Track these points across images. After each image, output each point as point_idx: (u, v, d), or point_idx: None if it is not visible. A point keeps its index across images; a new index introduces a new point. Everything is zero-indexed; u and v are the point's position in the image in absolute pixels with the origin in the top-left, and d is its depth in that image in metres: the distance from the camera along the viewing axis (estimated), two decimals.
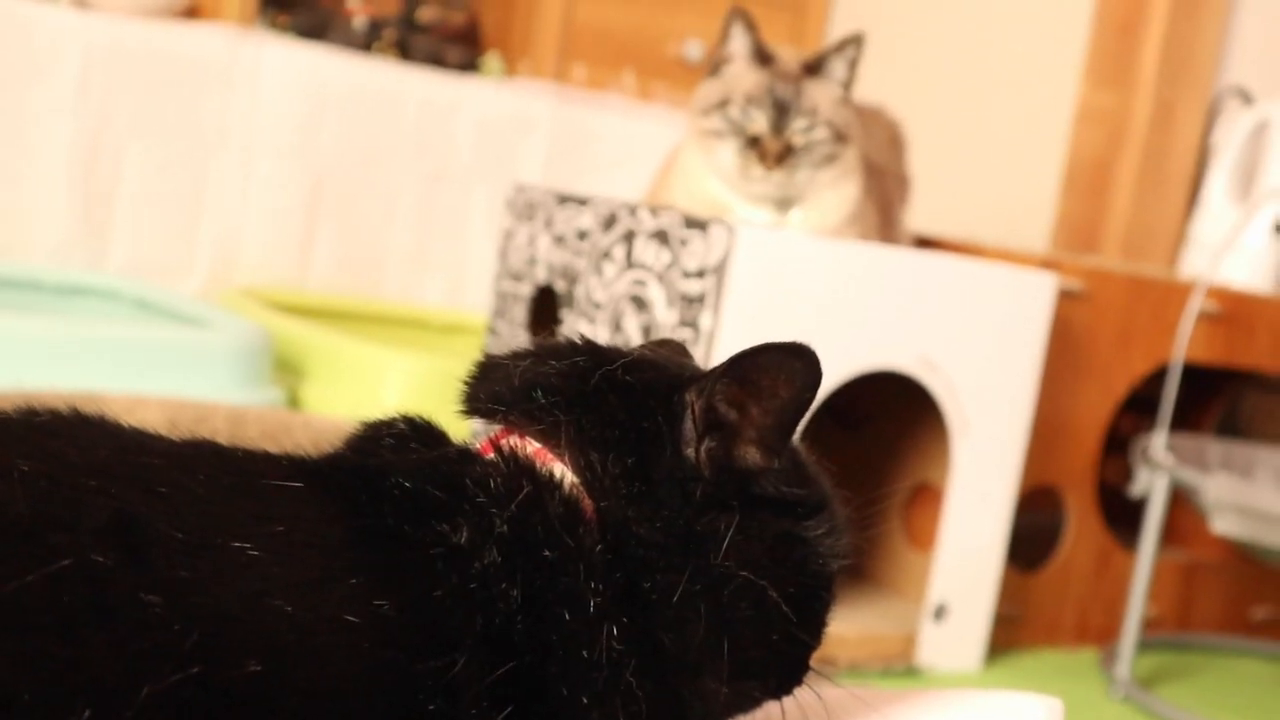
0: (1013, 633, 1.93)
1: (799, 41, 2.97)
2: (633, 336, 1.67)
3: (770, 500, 0.65)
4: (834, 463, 2.14)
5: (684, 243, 1.59)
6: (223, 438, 1.82)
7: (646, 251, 1.65)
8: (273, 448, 1.83)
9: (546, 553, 0.59)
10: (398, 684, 0.55)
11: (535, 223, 1.85)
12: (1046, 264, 1.83)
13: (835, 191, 1.63)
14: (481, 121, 2.69)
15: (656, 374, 0.66)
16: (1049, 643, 1.97)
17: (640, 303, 1.66)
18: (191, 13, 2.58)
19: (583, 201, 1.76)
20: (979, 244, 1.96)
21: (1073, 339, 1.87)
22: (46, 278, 2.36)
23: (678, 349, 0.78)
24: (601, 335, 1.71)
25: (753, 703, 0.67)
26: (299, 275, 2.59)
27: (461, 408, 0.68)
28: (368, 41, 2.71)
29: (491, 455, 0.64)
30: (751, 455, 0.65)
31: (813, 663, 0.68)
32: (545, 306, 1.84)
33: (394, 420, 0.67)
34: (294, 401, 2.13)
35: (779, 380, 0.64)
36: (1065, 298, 1.84)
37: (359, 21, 2.75)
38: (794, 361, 0.64)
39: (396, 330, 2.63)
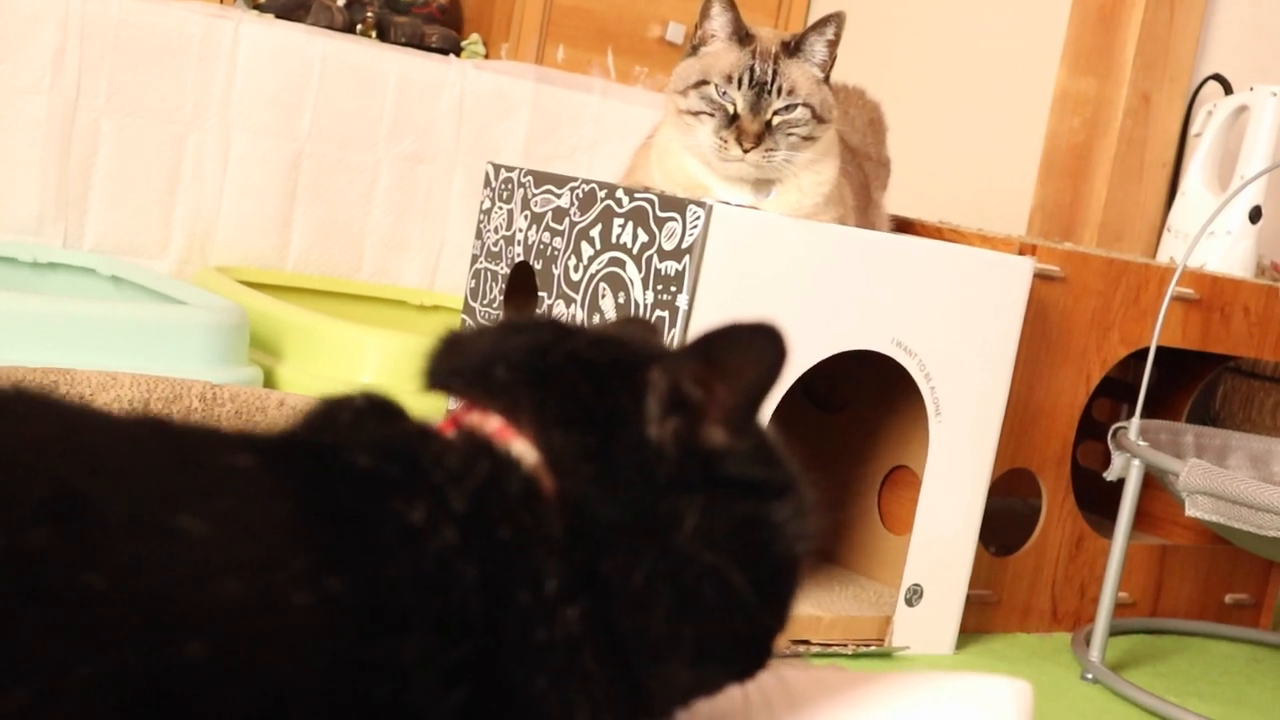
0: (986, 616, 1.93)
1: (782, 20, 2.96)
2: (610, 317, 1.65)
3: (736, 481, 0.63)
4: (811, 445, 2.13)
5: (661, 223, 1.58)
6: (197, 416, 1.81)
7: (624, 232, 1.64)
8: (247, 426, 1.81)
9: (504, 533, 0.58)
10: (348, 666, 0.53)
11: (513, 202, 1.83)
12: (1024, 248, 1.82)
13: (813, 173, 1.62)
14: (461, 102, 2.68)
15: (621, 351, 0.65)
16: (1022, 626, 1.97)
17: (617, 283, 1.65)
18: None
19: (561, 181, 1.75)
20: (957, 228, 1.95)
21: (1049, 323, 1.87)
22: (21, 254, 2.34)
23: (645, 327, 0.76)
24: (579, 316, 1.70)
25: (716, 686, 0.66)
26: (276, 254, 2.57)
27: (423, 382, 0.67)
28: (348, 22, 2.69)
29: (451, 432, 0.62)
30: (717, 435, 0.63)
31: (783, 644, 0.66)
32: (522, 286, 1.83)
33: (352, 397, 0.64)
34: (270, 380, 2.11)
35: (746, 359, 0.63)
36: (1042, 281, 1.83)
37: (339, 2, 2.72)
38: (761, 340, 0.63)
39: (374, 310, 2.62)
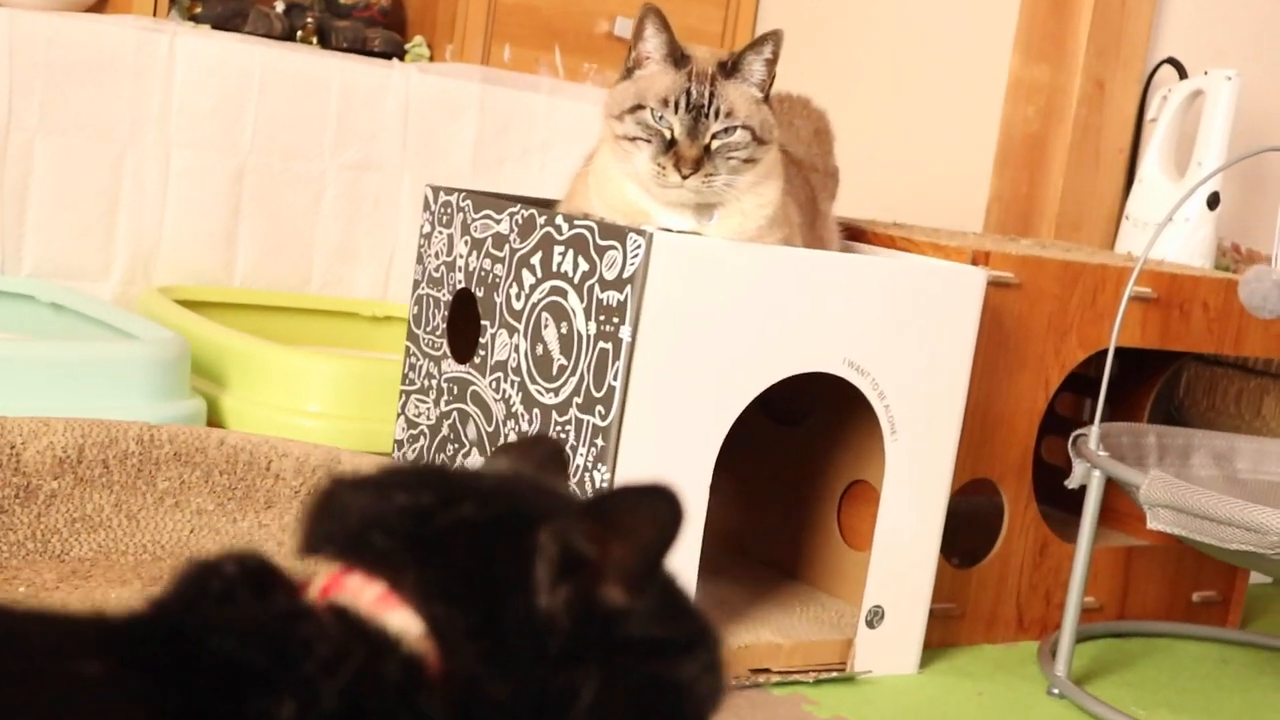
0: (950, 629, 1.90)
1: (729, 29, 2.90)
2: (553, 347, 1.61)
3: (638, 642, 0.59)
4: (768, 459, 2.08)
5: (601, 251, 1.54)
6: (134, 460, 1.75)
7: (565, 260, 1.59)
8: (186, 468, 1.75)
9: None
10: None
11: (453, 227, 1.79)
12: (977, 256, 1.78)
13: (755, 195, 1.57)
14: (407, 107, 2.62)
15: (510, 509, 0.61)
16: (988, 637, 1.94)
17: (560, 313, 1.61)
18: (100, 5, 2.49)
19: (500, 206, 1.70)
20: (909, 234, 1.91)
21: (1005, 329, 1.83)
22: None
23: (550, 454, 0.72)
24: (522, 346, 1.66)
25: None
26: (223, 270, 2.52)
27: (299, 547, 0.62)
28: (288, 29, 2.63)
29: (327, 604, 0.57)
30: (615, 595, 0.59)
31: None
32: (465, 313, 1.78)
33: (222, 563, 0.60)
34: (215, 410, 2.06)
35: (642, 519, 0.59)
36: (996, 288, 1.79)
37: (277, 8, 2.66)
38: (657, 501, 0.59)
39: (325, 323, 2.57)
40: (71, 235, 2.40)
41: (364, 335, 2.57)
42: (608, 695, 0.57)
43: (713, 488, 1.62)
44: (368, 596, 0.57)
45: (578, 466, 1.58)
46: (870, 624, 1.75)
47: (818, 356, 1.62)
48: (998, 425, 1.86)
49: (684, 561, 1.60)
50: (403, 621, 0.57)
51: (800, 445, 1.95)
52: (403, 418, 1.91)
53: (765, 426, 1.98)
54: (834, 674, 1.74)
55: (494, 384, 1.73)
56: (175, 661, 0.53)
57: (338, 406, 2.06)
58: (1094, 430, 1.76)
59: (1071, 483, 1.78)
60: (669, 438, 1.57)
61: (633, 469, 1.56)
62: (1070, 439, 1.79)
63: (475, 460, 1.75)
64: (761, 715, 1.60)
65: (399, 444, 1.91)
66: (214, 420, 2.07)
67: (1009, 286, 1.81)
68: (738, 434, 1.63)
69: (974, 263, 1.76)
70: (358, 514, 0.60)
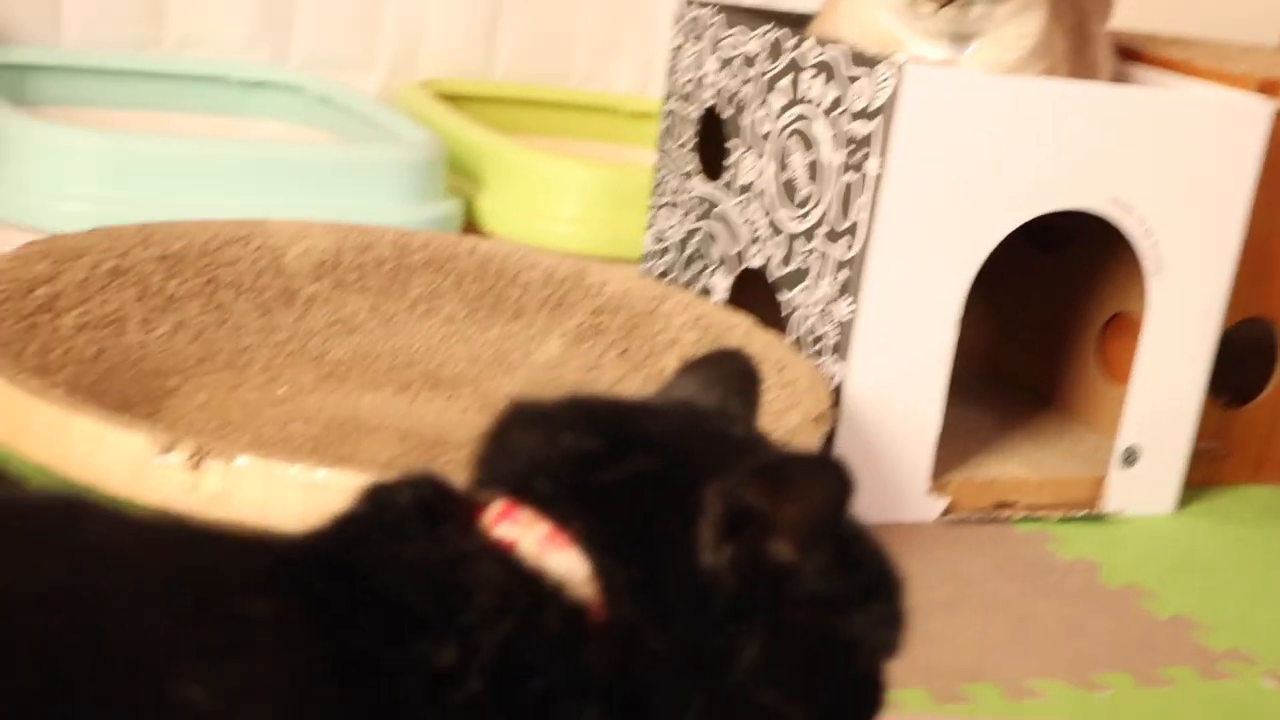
0: (1214, 470, 1.82)
1: None
2: (799, 174, 1.57)
3: (806, 598, 0.58)
4: (1029, 286, 2.01)
5: (851, 80, 1.48)
6: (389, 266, 1.79)
7: (812, 86, 1.54)
8: (438, 275, 1.79)
9: (537, 684, 0.53)
10: None
11: (703, 42, 1.74)
12: (1265, 84, 1.65)
13: (1016, 25, 1.48)
14: None
15: (678, 461, 0.59)
16: (1255, 478, 1.86)
17: (806, 140, 1.56)
18: None
19: (752, 23, 1.65)
20: (1190, 55, 1.78)
21: None
22: (230, 73, 2.34)
23: (739, 372, 0.69)
24: (768, 171, 1.62)
25: None
26: (484, 63, 2.53)
27: (474, 481, 0.62)
28: None
29: (496, 540, 0.57)
30: (784, 551, 0.57)
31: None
32: (713, 131, 1.75)
33: (398, 490, 0.60)
34: (471, 211, 2.09)
35: (811, 484, 0.57)
36: None
37: None
38: (827, 471, 0.57)
39: (584, 118, 2.56)
40: (339, 28, 2.43)
41: (622, 131, 2.55)
42: (772, 652, 0.56)
43: (967, 309, 1.58)
44: (536, 535, 0.57)
45: (821, 297, 1.56)
46: (1126, 462, 1.70)
47: (1078, 194, 1.54)
48: (1277, 262, 1.75)
49: (931, 395, 1.57)
50: (569, 564, 0.56)
51: (1061, 272, 1.88)
52: (652, 230, 1.90)
53: (1023, 250, 1.90)
54: (1083, 513, 1.69)
55: (740, 206, 1.70)
56: (343, 601, 0.54)
57: (591, 213, 2.06)
58: None
59: None
60: (915, 273, 1.53)
61: (877, 303, 1.52)
62: None
63: (720, 281, 1.74)
64: (1002, 553, 1.58)
65: (647, 256, 1.91)
66: (470, 221, 2.11)
67: None
68: (993, 255, 1.57)
69: (1261, 92, 1.63)
70: (526, 456, 0.60)
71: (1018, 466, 1.70)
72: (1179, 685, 1.35)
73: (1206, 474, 1.81)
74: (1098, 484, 1.70)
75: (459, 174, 2.13)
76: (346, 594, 0.54)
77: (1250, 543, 1.70)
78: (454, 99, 2.34)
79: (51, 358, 1.40)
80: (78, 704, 0.47)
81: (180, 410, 1.47)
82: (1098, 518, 1.70)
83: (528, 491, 0.58)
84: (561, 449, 0.59)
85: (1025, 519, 1.67)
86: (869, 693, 0.61)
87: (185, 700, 0.48)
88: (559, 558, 0.56)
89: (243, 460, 1.11)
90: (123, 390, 1.44)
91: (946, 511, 1.62)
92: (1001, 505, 1.67)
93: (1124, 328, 1.80)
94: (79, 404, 1.17)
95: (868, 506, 1.57)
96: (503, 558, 0.56)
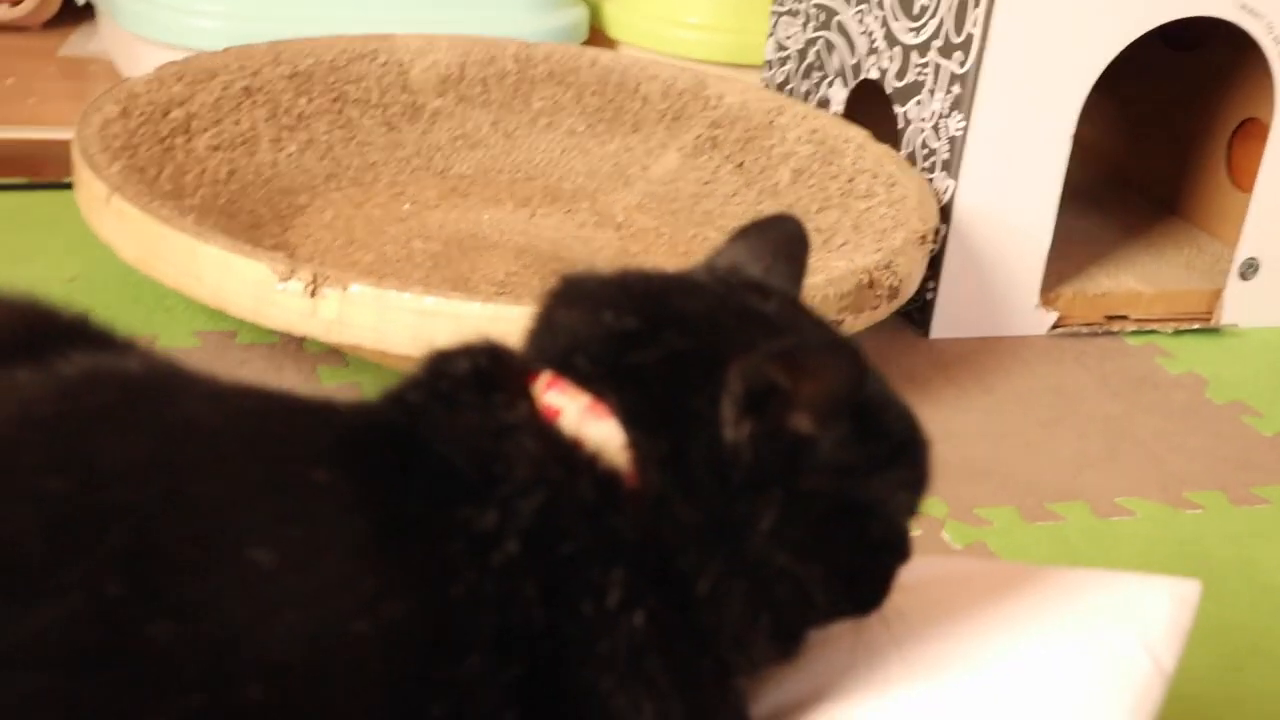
0: None
1: None
2: None
3: (824, 466, 0.62)
4: (1158, 84, 1.98)
5: None
6: (511, 78, 1.83)
7: None
8: (560, 87, 1.82)
9: (569, 547, 0.58)
10: (405, 688, 0.55)
11: None
12: None
13: None
14: None
15: (708, 340, 0.62)
16: None
17: None
18: None
19: None
20: None
21: None
22: None
23: (790, 236, 0.72)
24: None
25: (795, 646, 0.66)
26: None
27: (525, 353, 0.66)
28: None
29: (536, 421, 0.62)
30: (804, 424, 0.61)
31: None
32: None
33: (456, 358, 0.64)
34: (597, 18, 2.11)
35: (827, 365, 0.60)
36: None
37: None
38: (840, 355, 0.60)
39: None
40: None
41: None
42: (788, 518, 0.60)
43: (1093, 112, 1.57)
44: (579, 405, 0.61)
45: (933, 112, 1.56)
46: (1243, 275, 1.69)
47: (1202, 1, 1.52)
48: None
49: (1042, 210, 1.58)
50: (607, 433, 0.61)
51: (1193, 72, 1.84)
52: (773, 38, 1.90)
53: (1157, 49, 1.87)
54: (1196, 326, 1.70)
55: (859, 15, 1.69)
56: (396, 468, 0.59)
57: (715, 19, 2.06)
58: None
59: None
60: (1029, 89, 1.52)
61: (989, 119, 1.52)
62: None
63: (838, 93, 1.75)
64: (1109, 367, 1.60)
65: (769, 64, 1.92)
66: (597, 27, 2.12)
67: None
68: (1124, 58, 1.56)
69: None
70: (568, 333, 0.64)
71: (1132, 279, 1.71)
72: (1275, 505, 1.37)
73: None
74: (1214, 297, 1.70)
75: None
76: (400, 462, 0.59)
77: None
78: None
79: (187, 180, 1.47)
80: (164, 567, 0.53)
81: (308, 228, 1.54)
82: (1212, 331, 1.70)
83: (569, 367, 0.62)
84: (601, 328, 0.63)
85: (1136, 332, 1.67)
86: (887, 552, 0.65)
87: (255, 561, 0.54)
88: (598, 427, 0.61)
89: (356, 288, 1.17)
90: (254, 209, 1.51)
91: (1056, 325, 1.64)
92: (1113, 318, 1.68)
93: (1253, 134, 1.77)
94: (207, 232, 1.24)
95: (976, 320, 1.60)
96: (545, 429, 0.61)
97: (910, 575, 0.68)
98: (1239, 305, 1.70)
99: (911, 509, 0.66)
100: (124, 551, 0.53)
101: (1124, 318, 1.68)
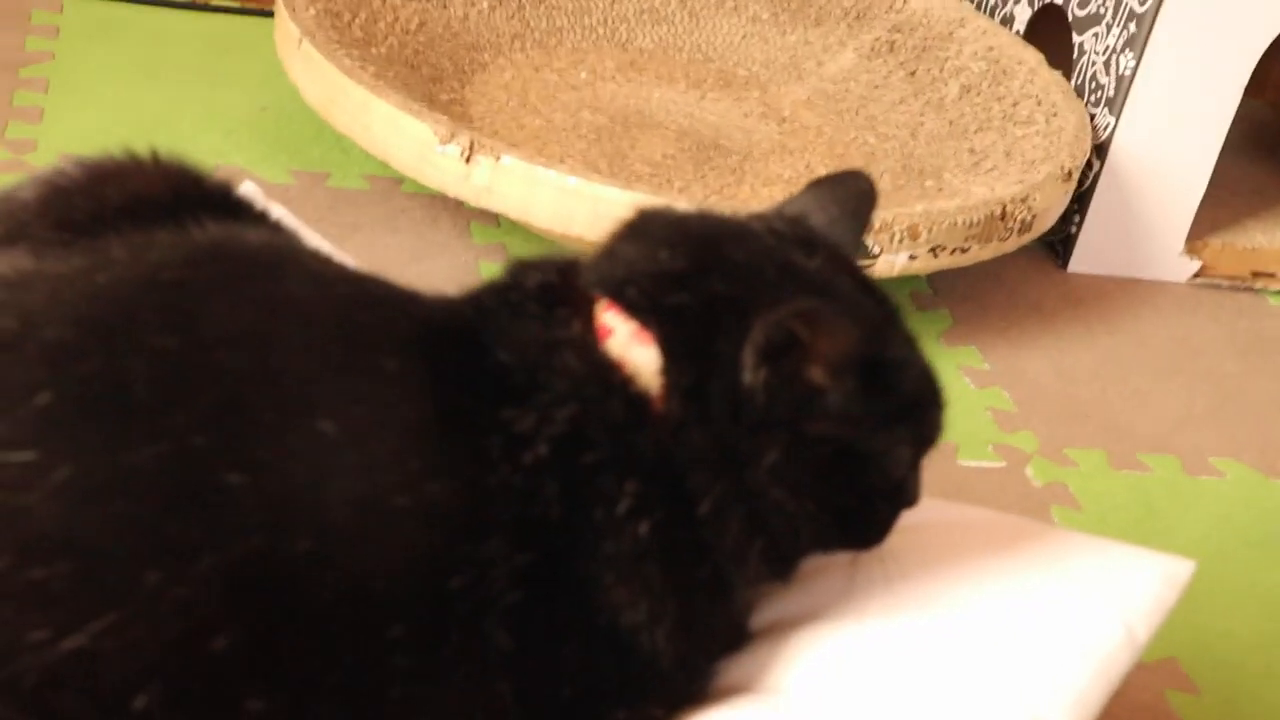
0: None
1: None
2: None
3: (832, 415, 0.67)
4: None
5: None
6: None
7: None
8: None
9: (589, 457, 0.64)
10: (432, 560, 0.62)
11: None
12: None
13: None
14: None
15: (746, 289, 0.68)
16: None
17: None
18: None
19: None
20: None
21: None
22: None
23: (859, 193, 0.76)
24: None
25: (787, 570, 0.72)
26: None
27: (588, 282, 0.72)
28: None
29: (585, 339, 0.69)
30: (818, 375, 0.67)
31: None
32: None
33: (532, 270, 0.71)
34: None
35: (838, 328, 0.65)
36: None
37: None
38: (850, 320, 0.66)
39: None
40: None
41: None
42: (790, 458, 0.67)
43: None
44: (629, 328, 0.69)
45: (1108, 47, 1.57)
46: None
47: None
48: None
49: (1200, 159, 1.59)
50: (648, 357, 0.68)
51: None
52: None
53: None
54: None
55: None
56: (457, 365, 0.66)
57: None
58: None
59: None
60: (1204, 39, 1.52)
61: (1161, 62, 1.53)
62: None
63: (1023, 11, 1.76)
64: (1241, 324, 1.61)
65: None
66: None
67: None
68: None
69: None
70: (625, 266, 0.70)
71: (1269, 236, 1.70)
72: None
73: None
74: None
75: None
76: (462, 360, 0.67)
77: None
78: None
79: (378, 26, 1.55)
80: (244, 425, 0.62)
81: (486, 85, 1.62)
82: None
83: (621, 296, 0.70)
84: (655, 264, 0.69)
85: (1279, 291, 1.68)
86: (881, 498, 0.71)
87: (321, 431, 0.62)
88: (641, 352, 0.68)
89: (507, 159, 1.25)
90: (437, 62, 1.59)
91: (1198, 274, 1.65)
92: (1259, 274, 1.68)
93: None
94: (382, 87, 1.33)
95: (1118, 260, 1.63)
96: (591, 348, 0.68)
97: (917, 518, 0.75)
98: None
99: (912, 462, 0.72)
100: (213, 408, 0.61)
101: (1271, 275, 1.68)
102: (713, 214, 0.74)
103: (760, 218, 0.76)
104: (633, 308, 0.69)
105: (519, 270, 0.73)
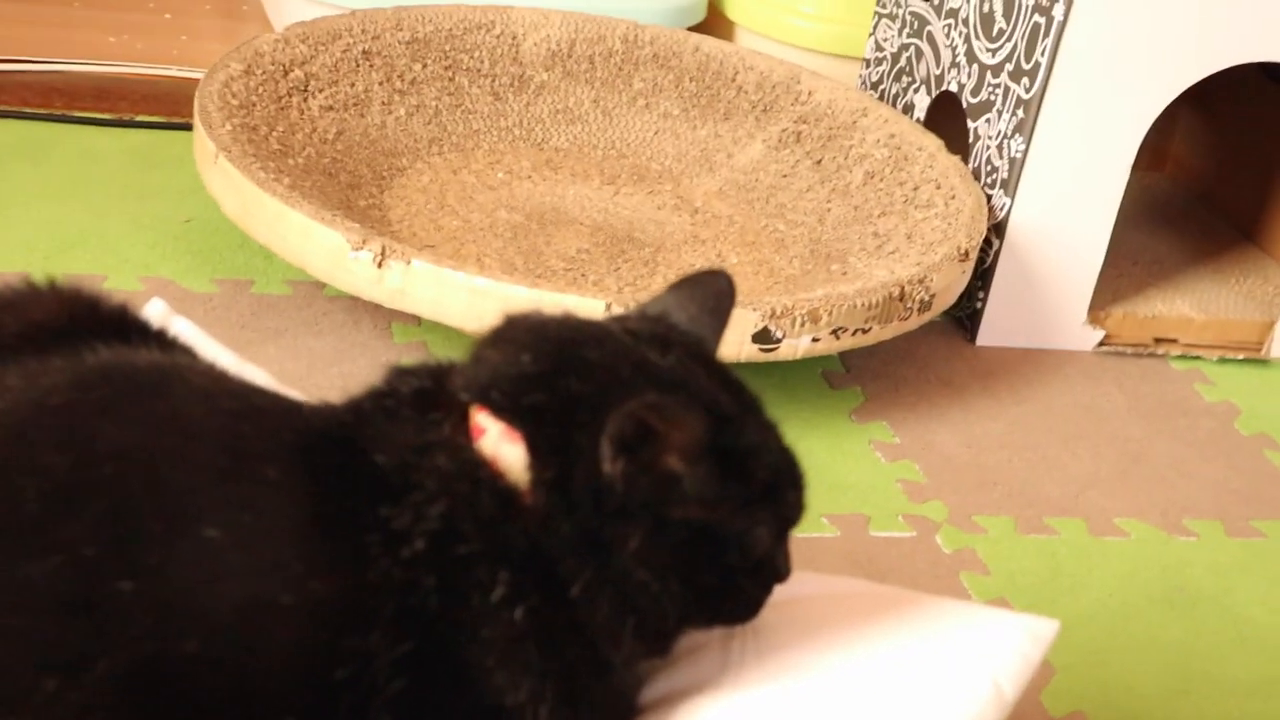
0: None
1: None
2: (998, 7, 1.64)
3: (689, 500, 0.71)
4: (1252, 112, 2.01)
5: None
6: (618, 57, 1.92)
7: None
8: (661, 70, 1.91)
9: (463, 549, 0.68)
10: (317, 656, 0.65)
11: None
12: None
13: None
14: None
15: (602, 387, 0.72)
16: None
17: None
18: None
19: None
20: None
21: None
22: None
23: (718, 292, 0.81)
24: (972, 2, 1.68)
25: (665, 647, 0.76)
26: None
27: (457, 386, 0.76)
28: None
29: (456, 440, 0.72)
30: (674, 463, 0.71)
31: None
32: None
33: (408, 376, 0.75)
34: (718, 1, 2.19)
35: (688, 417, 0.69)
36: None
37: None
38: (696, 411, 0.70)
39: None
40: None
41: None
42: (651, 541, 0.71)
43: (1186, 130, 1.62)
44: (497, 429, 0.73)
45: (999, 132, 1.63)
46: None
47: (1259, 47, 1.57)
48: None
49: (1095, 233, 1.64)
50: (516, 454, 0.72)
51: None
52: (873, 38, 1.98)
53: (1255, 77, 1.90)
54: (1243, 356, 1.75)
55: (947, 29, 1.77)
56: (336, 469, 0.70)
57: (827, 11, 2.14)
58: None
59: None
60: (1091, 119, 1.59)
61: (1049, 144, 1.59)
62: None
63: (921, 99, 1.82)
64: (1145, 389, 1.66)
65: (866, 62, 2.00)
66: (715, 10, 2.21)
67: None
68: (1221, 82, 1.63)
69: None
70: (490, 370, 0.74)
71: (1187, 304, 1.76)
72: (1271, 539, 1.43)
73: None
74: (1267, 328, 1.75)
75: None
76: (340, 464, 0.70)
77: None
78: None
79: (296, 138, 1.60)
80: (133, 535, 0.65)
81: (405, 190, 1.66)
82: (1259, 363, 1.75)
83: (487, 399, 0.74)
84: (518, 367, 0.74)
85: (1182, 357, 1.73)
86: (745, 576, 0.75)
87: (208, 538, 0.65)
88: (510, 448, 0.72)
89: (418, 263, 1.30)
90: (355, 169, 1.64)
91: (1102, 343, 1.71)
92: (1161, 340, 1.74)
93: None
94: (295, 198, 1.37)
95: (1023, 332, 1.68)
96: (460, 448, 0.71)
97: (793, 591, 0.79)
98: None
99: (774, 541, 0.76)
100: (103, 520, 0.65)
101: (1173, 341, 1.74)
102: (573, 318, 0.79)
103: (620, 319, 0.81)
104: (498, 409, 0.73)
105: (396, 377, 0.77)
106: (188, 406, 0.72)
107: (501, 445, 0.72)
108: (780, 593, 0.78)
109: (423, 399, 0.75)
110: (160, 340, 0.82)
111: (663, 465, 0.71)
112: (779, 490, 0.75)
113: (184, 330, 0.88)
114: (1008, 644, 0.81)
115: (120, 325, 0.80)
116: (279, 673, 0.66)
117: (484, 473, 0.71)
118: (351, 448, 0.72)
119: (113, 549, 0.64)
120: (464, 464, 0.71)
